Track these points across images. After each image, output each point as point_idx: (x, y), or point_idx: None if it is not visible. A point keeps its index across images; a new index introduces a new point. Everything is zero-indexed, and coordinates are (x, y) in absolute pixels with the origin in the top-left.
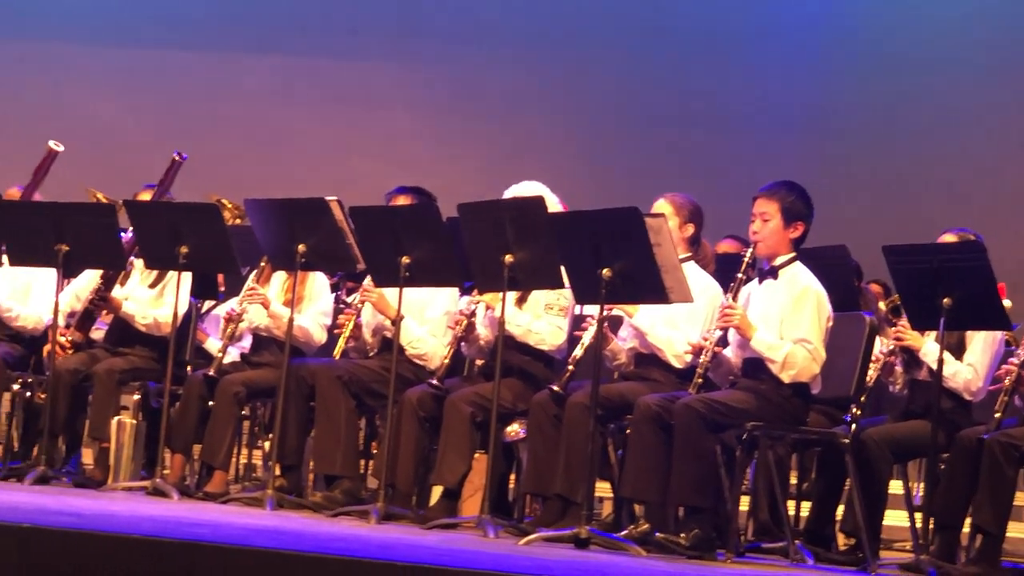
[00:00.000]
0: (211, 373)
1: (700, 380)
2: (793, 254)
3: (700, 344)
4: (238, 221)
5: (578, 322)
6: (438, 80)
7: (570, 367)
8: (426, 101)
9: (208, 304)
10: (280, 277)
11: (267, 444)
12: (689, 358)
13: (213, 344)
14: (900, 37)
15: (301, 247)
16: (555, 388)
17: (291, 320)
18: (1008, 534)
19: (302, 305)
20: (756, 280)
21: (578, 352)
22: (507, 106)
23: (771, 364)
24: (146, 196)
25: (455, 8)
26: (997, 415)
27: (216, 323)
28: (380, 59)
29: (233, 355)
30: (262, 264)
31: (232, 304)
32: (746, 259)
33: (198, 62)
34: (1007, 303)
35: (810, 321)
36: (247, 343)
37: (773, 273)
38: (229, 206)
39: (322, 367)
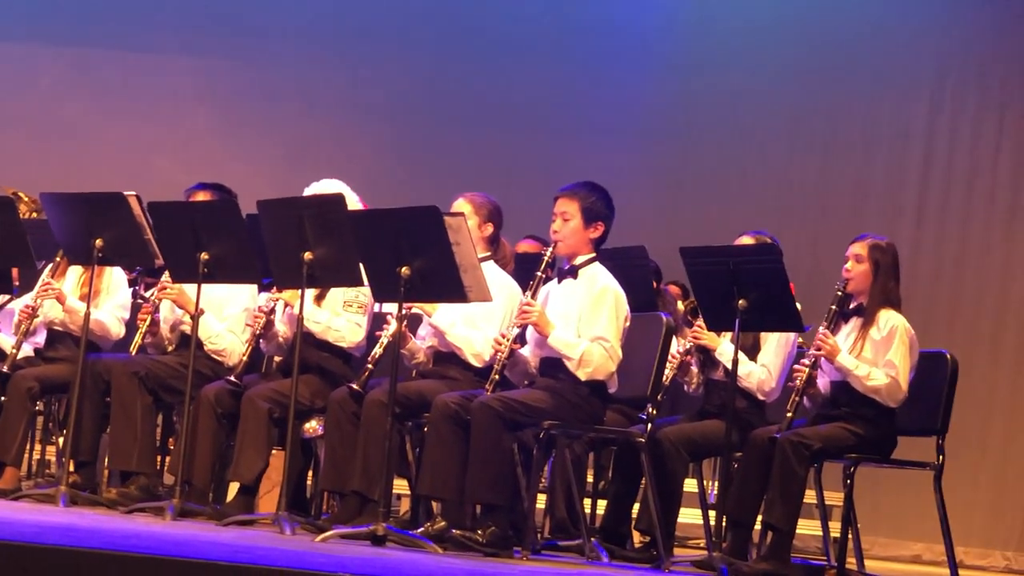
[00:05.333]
0: (4, 369)
1: (497, 377)
2: (593, 254)
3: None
4: (34, 215)
5: (377, 320)
6: (235, 75)
7: (369, 365)
8: (223, 97)
9: (2, 299)
10: (76, 272)
11: (61, 440)
12: (488, 356)
13: (6, 339)
14: (699, 40)
15: (98, 241)
16: (354, 386)
17: (87, 315)
18: (798, 531)
19: (99, 300)
20: (556, 279)
21: (377, 350)
22: (307, 103)
23: (568, 361)
24: None
25: (254, 2)
26: (788, 415)
27: (9, 318)
28: (177, 54)
29: (27, 350)
30: (58, 259)
31: (26, 299)
32: (546, 258)
33: None
34: (798, 305)
35: (607, 320)
36: (41, 338)
37: (573, 272)
38: (25, 199)
39: (118, 362)
